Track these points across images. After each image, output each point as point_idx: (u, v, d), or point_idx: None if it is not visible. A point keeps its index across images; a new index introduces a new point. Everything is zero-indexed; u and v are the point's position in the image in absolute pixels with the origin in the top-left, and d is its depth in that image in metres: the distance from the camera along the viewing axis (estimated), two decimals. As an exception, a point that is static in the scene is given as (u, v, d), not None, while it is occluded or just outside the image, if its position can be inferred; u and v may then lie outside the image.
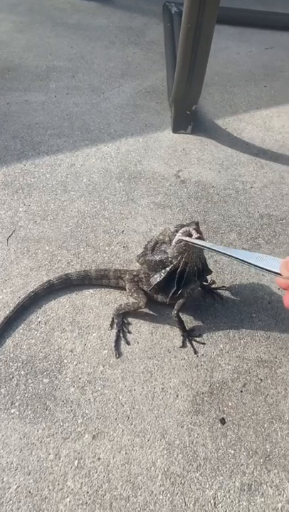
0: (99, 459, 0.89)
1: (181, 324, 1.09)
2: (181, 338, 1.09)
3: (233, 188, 1.52)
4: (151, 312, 1.14)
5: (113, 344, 1.06)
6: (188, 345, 1.08)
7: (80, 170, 1.50)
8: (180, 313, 1.08)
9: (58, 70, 1.92)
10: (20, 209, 1.36)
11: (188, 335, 1.10)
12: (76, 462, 0.88)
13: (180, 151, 1.63)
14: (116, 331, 1.09)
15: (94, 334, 1.08)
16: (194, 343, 1.09)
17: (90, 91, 1.82)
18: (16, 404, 0.95)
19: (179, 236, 0.98)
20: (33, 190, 1.41)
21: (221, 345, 1.09)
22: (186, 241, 0.96)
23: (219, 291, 1.20)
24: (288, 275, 0.56)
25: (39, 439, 0.91)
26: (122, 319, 1.10)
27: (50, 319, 1.10)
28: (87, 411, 0.95)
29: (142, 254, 1.09)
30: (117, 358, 1.05)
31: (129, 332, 1.10)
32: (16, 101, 1.73)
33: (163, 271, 1.05)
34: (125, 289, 1.15)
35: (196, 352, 1.07)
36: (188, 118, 1.65)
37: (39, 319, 1.10)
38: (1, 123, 1.63)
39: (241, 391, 1.02)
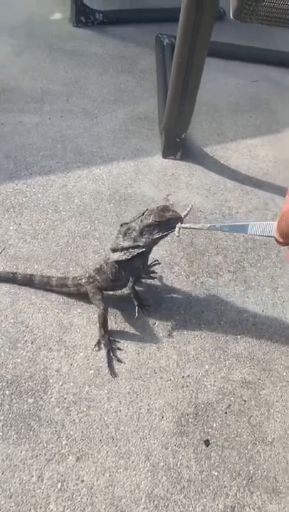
0: (82, 481, 0.88)
1: (136, 295, 1.14)
2: (136, 308, 1.12)
3: (220, 213, 1.56)
4: (137, 332, 1.14)
5: (106, 365, 1.05)
6: (143, 313, 1.17)
7: (72, 191, 1.52)
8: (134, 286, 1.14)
9: (53, 93, 1.96)
10: (11, 227, 1.36)
11: (142, 304, 1.17)
12: (59, 485, 0.87)
13: (169, 176, 1.67)
14: (105, 351, 1.08)
15: (80, 354, 1.07)
16: (146, 311, 1.18)
17: (84, 115, 1.86)
18: (0, 424, 0.93)
19: (180, 226, 0.99)
20: (25, 210, 1.42)
21: (207, 366, 1.09)
22: (189, 228, 0.99)
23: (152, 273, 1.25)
24: (279, 237, 0.66)
25: (22, 461, 0.89)
26: (108, 338, 1.10)
27: (37, 338, 1.09)
28: (71, 432, 0.94)
29: (115, 238, 1.11)
30: (113, 377, 1.04)
31: (119, 349, 1.10)
32: (10, 122, 1.75)
33: (128, 253, 1.07)
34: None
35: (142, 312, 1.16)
36: (178, 145, 1.70)
37: (26, 338, 1.09)
38: (-5, 143, 1.65)
39: (226, 412, 1.02)
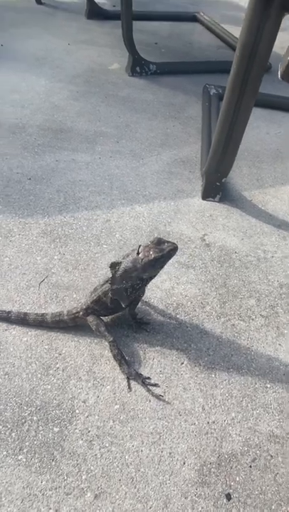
0: (98, 522, 0.82)
1: (134, 316, 1.17)
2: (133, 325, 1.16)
3: (255, 256, 1.50)
4: (165, 371, 1.09)
5: (150, 396, 1.02)
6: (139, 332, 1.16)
7: (114, 226, 1.53)
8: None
9: (105, 135, 2.03)
10: (56, 257, 1.38)
11: (139, 322, 1.17)
12: (75, 523, 0.82)
13: (207, 217, 1.65)
14: (142, 385, 1.03)
15: (108, 387, 1.03)
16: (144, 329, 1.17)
17: (131, 156, 1.90)
18: (25, 450, 0.90)
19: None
20: (69, 241, 1.44)
21: (233, 414, 1.02)
22: None
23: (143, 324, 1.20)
24: None
25: (42, 491, 0.85)
26: (133, 370, 1.05)
27: (68, 366, 1.07)
28: (92, 467, 0.89)
29: (113, 286, 1.06)
30: (162, 399, 1.01)
31: (156, 385, 1.04)
32: (65, 159, 1.82)
33: (133, 291, 1.08)
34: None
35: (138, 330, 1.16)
36: (218, 188, 1.68)
37: (58, 365, 1.07)
38: (49, 177, 1.71)
39: (250, 466, 0.93)
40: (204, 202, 1.72)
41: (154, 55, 2.78)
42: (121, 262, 1.05)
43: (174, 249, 1.04)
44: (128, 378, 1.05)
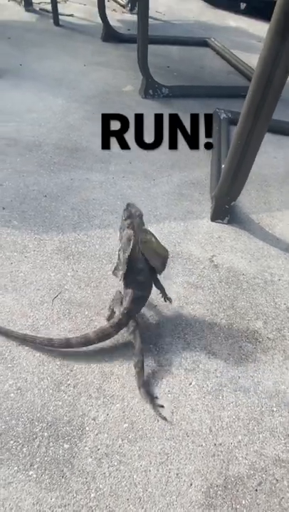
0: None
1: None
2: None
3: (262, 278, 1.52)
4: (173, 391, 1.10)
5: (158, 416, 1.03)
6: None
7: (125, 244, 1.55)
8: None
9: (118, 156, 2.08)
10: (69, 273, 1.40)
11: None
12: None
13: (216, 238, 1.67)
14: (149, 404, 1.05)
15: (117, 405, 1.05)
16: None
17: (143, 177, 1.94)
18: (35, 466, 0.91)
19: None
20: (82, 258, 1.47)
21: (240, 437, 1.02)
22: None
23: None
24: None
25: (51, 508, 0.85)
26: (145, 390, 1.06)
27: (79, 383, 1.08)
28: (101, 485, 0.90)
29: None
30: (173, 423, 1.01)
31: (162, 407, 1.05)
32: (79, 178, 1.86)
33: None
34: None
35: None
36: (227, 211, 1.71)
37: (69, 382, 1.08)
38: (64, 195, 1.75)
39: (256, 490, 0.93)
40: (213, 223, 1.75)
41: (166, 79, 2.86)
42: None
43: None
44: (139, 389, 1.06)
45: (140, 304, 1.20)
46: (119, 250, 1.17)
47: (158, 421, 1.02)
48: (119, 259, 1.18)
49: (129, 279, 1.15)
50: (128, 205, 1.20)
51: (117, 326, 1.14)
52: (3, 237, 1.49)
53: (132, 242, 1.12)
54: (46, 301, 1.29)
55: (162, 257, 1.20)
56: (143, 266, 1.17)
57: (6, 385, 1.04)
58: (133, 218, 1.17)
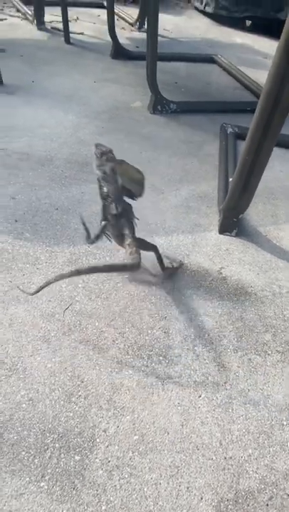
0: None
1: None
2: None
3: (270, 291, 1.51)
4: (183, 403, 1.09)
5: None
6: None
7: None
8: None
9: (127, 169, 2.10)
10: (80, 285, 1.41)
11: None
12: None
13: (224, 251, 1.68)
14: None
15: (127, 417, 1.04)
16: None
17: (152, 190, 1.95)
18: (46, 478, 0.91)
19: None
20: (92, 270, 1.48)
21: (250, 451, 1.01)
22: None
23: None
24: None
25: (62, 521, 0.85)
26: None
27: (90, 394, 1.08)
28: (111, 498, 0.89)
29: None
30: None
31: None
32: (90, 191, 1.88)
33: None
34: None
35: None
36: (235, 224, 1.72)
37: (80, 393, 1.08)
38: (75, 208, 1.77)
39: (267, 504, 0.92)
40: (221, 236, 1.75)
41: (174, 94, 2.90)
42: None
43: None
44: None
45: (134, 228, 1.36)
46: (102, 186, 1.32)
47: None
48: (107, 195, 1.32)
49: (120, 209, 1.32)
50: (96, 145, 1.37)
51: (138, 252, 1.27)
52: (15, 249, 1.51)
53: (117, 172, 1.30)
54: (57, 313, 1.30)
55: (139, 179, 1.37)
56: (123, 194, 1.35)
57: (18, 396, 1.05)
58: (107, 154, 1.32)
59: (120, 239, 1.34)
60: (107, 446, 0.98)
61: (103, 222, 1.34)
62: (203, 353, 1.24)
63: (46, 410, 1.03)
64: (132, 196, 1.40)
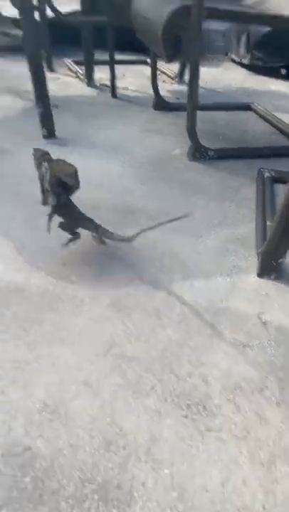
0: None
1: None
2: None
3: (314, 339, 1.43)
4: (224, 459, 1.03)
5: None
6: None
7: (175, 300, 1.56)
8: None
9: (168, 215, 2.12)
10: (120, 327, 1.42)
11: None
12: None
13: (263, 295, 1.62)
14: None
15: (166, 471, 1.00)
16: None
17: (190, 234, 1.97)
18: (85, 531, 0.88)
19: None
20: (132, 312, 1.48)
21: None
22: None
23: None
24: None
25: None
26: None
27: (129, 444, 1.05)
28: None
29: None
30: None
31: None
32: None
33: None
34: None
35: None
36: (274, 268, 1.67)
37: (118, 442, 1.05)
38: (118, 253, 1.82)
39: None
40: (260, 280, 1.70)
41: (212, 142, 2.97)
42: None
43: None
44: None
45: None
46: (42, 182, 1.57)
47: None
48: (46, 189, 1.59)
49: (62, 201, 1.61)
50: (35, 149, 1.62)
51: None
52: (63, 292, 1.57)
53: (49, 170, 1.51)
54: (99, 355, 1.30)
55: (72, 173, 1.58)
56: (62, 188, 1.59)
57: (60, 442, 1.04)
58: (44, 156, 1.58)
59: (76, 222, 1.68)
60: (145, 502, 0.93)
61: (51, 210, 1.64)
62: (244, 404, 1.17)
63: (86, 458, 1.01)
64: (69, 187, 1.62)
